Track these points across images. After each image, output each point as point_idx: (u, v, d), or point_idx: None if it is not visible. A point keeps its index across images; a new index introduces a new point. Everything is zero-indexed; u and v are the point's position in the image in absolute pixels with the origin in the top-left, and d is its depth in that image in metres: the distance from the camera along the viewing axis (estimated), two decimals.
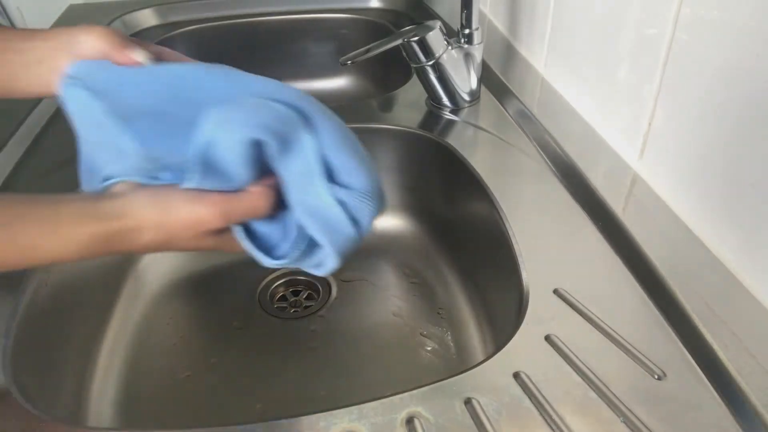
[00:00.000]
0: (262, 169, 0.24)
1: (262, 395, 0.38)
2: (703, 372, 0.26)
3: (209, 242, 0.24)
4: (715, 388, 0.25)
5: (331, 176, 0.23)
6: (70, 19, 0.68)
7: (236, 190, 0.24)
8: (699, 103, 0.31)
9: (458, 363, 0.39)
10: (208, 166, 0.23)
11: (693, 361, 0.26)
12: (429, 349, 0.41)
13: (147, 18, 0.69)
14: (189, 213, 0.23)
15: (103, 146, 0.25)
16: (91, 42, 0.26)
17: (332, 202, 0.23)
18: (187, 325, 0.44)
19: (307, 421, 0.24)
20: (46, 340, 0.33)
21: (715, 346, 0.26)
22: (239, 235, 0.24)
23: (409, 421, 0.24)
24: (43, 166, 0.42)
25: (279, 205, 0.24)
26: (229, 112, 0.23)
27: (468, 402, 0.25)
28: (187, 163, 0.23)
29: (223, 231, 0.24)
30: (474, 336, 0.41)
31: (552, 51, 0.47)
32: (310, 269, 0.25)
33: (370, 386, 0.38)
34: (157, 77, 0.26)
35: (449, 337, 0.42)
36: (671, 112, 0.33)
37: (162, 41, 0.66)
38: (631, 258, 0.32)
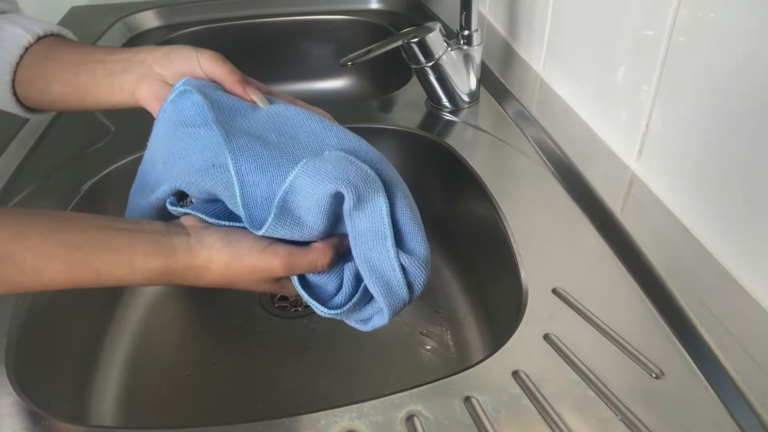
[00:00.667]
0: (332, 222, 0.25)
1: (263, 394, 0.38)
2: (701, 370, 0.26)
3: (268, 286, 0.26)
4: (713, 387, 0.25)
5: (397, 240, 0.25)
6: (72, 21, 0.68)
7: (302, 243, 0.25)
8: (696, 105, 0.31)
9: (458, 362, 0.40)
10: (285, 211, 0.24)
11: (690, 360, 0.26)
12: (429, 348, 0.41)
13: (149, 20, 0.69)
14: (257, 262, 0.24)
15: (188, 159, 0.26)
16: (201, 62, 0.28)
17: (397, 266, 0.24)
18: (188, 324, 0.44)
19: (307, 419, 0.25)
20: (49, 338, 0.34)
21: (712, 345, 0.26)
22: (297, 285, 0.26)
23: (409, 419, 0.24)
24: (46, 167, 0.42)
25: (336, 260, 0.26)
26: (319, 163, 0.24)
27: (467, 400, 0.25)
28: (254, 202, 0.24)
29: (283, 277, 0.26)
30: (473, 335, 0.41)
31: (550, 52, 0.48)
32: (356, 323, 0.27)
33: (370, 385, 0.39)
34: (264, 109, 0.27)
35: (449, 336, 0.42)
36: (669, 114, 0.34)
37: (164, 43, 0.66)
38: (629, 257, 0.32)
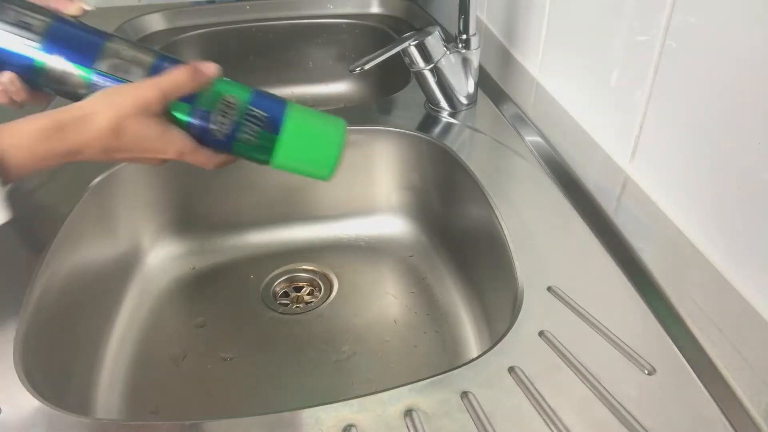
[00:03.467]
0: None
1: (265, 389, 0.39)
2: (692, 367, 0.27)
3: (162, 142, 0.26)
4: (703, 383, 0.26)
5: None
6: None
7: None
8: (688, 108, 0.32)
9: (455, 358, 0.40)
10: None
11: (681, 357, 0.27)
12: (426, 344, 0.42)
13: (155, 22, 0.70)
14: (133, 89, 0.26)
15: None
16: None
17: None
18: (192, 320, 0.44)
19: (308, 413, 0.25)
20: (56, 333, 0.34)
21: (703, 342, 0.27)
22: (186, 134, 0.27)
23: (407, 413, 0.25)
24: None
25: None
26: None
27: (464, 395, 0.26)
28: None
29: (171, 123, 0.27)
30: (470, 332, 0.41)
31: (546, 56, 0.48)
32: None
33: (370, 380, 0.39)
34: None
35: (446, 333, 0.42)
36: (661, 116, 0.34)
37: (169, 45, 0.67)
38: (622, 257, 0.32)
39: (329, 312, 0.45)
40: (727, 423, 0.24)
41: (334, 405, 0.25)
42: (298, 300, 0.46)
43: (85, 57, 0.26)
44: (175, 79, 0.26)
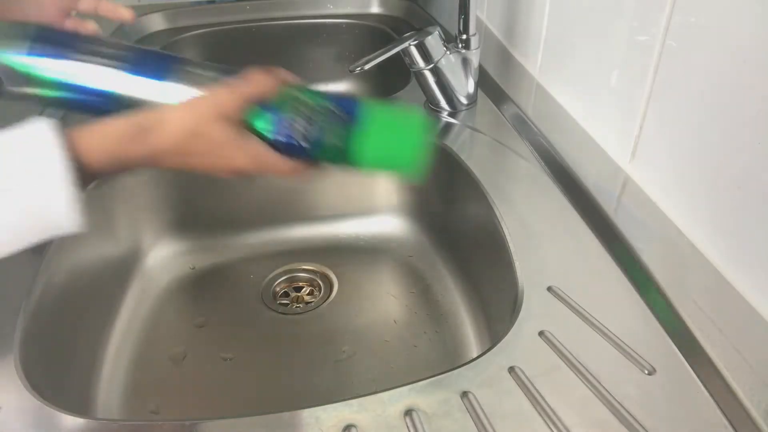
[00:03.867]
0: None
1: (265, 388, 0.39)
2: (691, 367, 0.27)
3: (240, 150, 0.26)
4: (703, 383, 0.26)
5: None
6: None
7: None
8: (688, 108, 0.32)
9: (455, 358, 0.40)
10: None
11: (681, 357, 0.27)
12: (426, 344, 0.42)
13: (155, 22, 0.70)
14: (211, 95, 0.26)
15: None
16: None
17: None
18: (192, 320, 0.44)
19: (307, 413, 0.25)
20: (56, 333, 0.34)
21: (703, 342, 0.27)
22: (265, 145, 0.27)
23: (407, 413, 0.25)
24: None
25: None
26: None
27: (464, 395, 0.26)
28: None
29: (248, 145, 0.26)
30: (470, 332, 0.41)
31: (546, 56, 0.48)
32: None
33: (370, 380, 0.39)
34: None
35: (446, 333, 0.42)
36: (661, 116, 0.34)
37: (169, 45, 0.67)
38: (622, 257, 0.32)
39: (329, 312, 0.45)
40: (727, 423, 0.24)
41: (334, 405, 0.26)
42: (298, 300, 0.46)
43: (156, 76, 0.27)
44: (250, 81, 0.26)
